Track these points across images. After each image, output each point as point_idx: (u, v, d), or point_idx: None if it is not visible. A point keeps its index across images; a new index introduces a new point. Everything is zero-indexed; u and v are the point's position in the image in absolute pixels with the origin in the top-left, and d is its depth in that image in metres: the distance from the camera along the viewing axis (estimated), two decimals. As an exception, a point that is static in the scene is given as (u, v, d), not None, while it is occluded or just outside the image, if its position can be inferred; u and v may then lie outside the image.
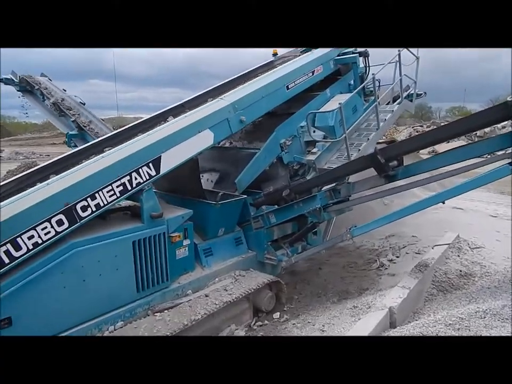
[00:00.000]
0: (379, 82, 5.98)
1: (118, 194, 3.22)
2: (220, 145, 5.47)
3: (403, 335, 2.17)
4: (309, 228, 4.50)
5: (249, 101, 4.38)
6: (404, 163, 3.50)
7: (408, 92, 6.61)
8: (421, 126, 29.47)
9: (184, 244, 3.86)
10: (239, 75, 5.18)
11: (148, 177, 3.42)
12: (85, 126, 5.93)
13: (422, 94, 7.19)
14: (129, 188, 3.28)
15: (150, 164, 3.43)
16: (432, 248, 4.36)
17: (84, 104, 7.43)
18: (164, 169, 3.54)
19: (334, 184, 4.21)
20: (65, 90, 7.49)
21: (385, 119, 5.70)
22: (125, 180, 3.26)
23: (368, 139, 5.28)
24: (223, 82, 4.92)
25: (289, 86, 4.94)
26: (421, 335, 1.95)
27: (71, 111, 6.38)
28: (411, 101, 6.46)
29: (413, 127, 29.01)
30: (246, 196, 4.33)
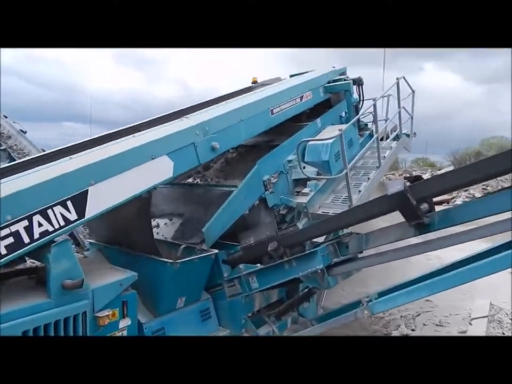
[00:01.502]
0: (373, 116, 5.18)
1: (4, 251, 1.93)
2: (183, 182, 4.32)
3: None
4: (304, 295, 3.30)
5: (224, 124, 3.33)
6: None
7: (397, 131, 5.90)
8: (393, 174, 29.90)
9: (120, 326, 2.53)
10: (213, 98, 4.18)
11: (62, 223, 2.17)
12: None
13: (413, 134, 6.51)
14: (25, 240, 2.00)
15: (68, 202, 2.20)
16: (470, 323, 3.24)
17: (25, 132, 6.27)
18: (91, 210, 2.31)
19: (336, 236, 3.11)
20: (5, 117, 6.37)
21: (385, 156, 4.82)
22: (19, 226, 1.99)
23: (368, 178, 4.32)
24: (195, 104, 3.87)
25: (274, 111, 3.97)
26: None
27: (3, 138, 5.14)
28: (408, 136, 5.70)
29: (385, 175, 29.26)
30: (217, 251, 3.11)
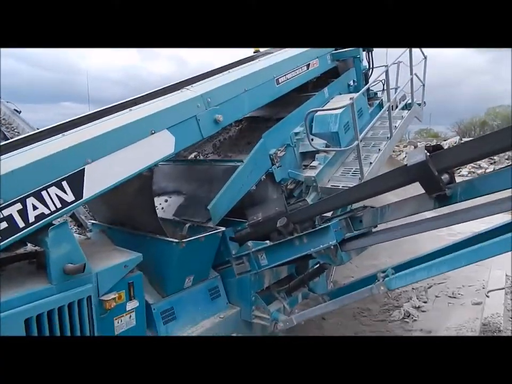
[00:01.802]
0: (383, 85, 4.91)
1: (-2, 237, 1.81)
2: (185, 157, 4.16)
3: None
4: (315, 271, 3.20)
5: (228, 95, 3.12)
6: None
7: (406, 100, 5.63)
8: (397, 146, 29.35)
9: (128, 309, 2.45)
10: (215, 68, 3.92)
11: (58, 206, 2.04)
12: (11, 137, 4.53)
13: (423, 103, 6.22)
14: (20, 224, 1.88)
15: (64, 183, 2.06)
16: (487, 295, 3.14)
17: (19, 112, 6.09)
18: (89, 191, 2.17)
19: (349, 210, 2.97)
20: None
21: (396, 126, 4.59)
22: (12, 210, 1.86)
23: (379, 150, 4.13)
24: (195, 75, 3.63)
25: (280, 80, 3.73)
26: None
27: None
28: (419, 105, 5.43)
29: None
30: (224, 228, 2.99)
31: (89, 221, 3.49)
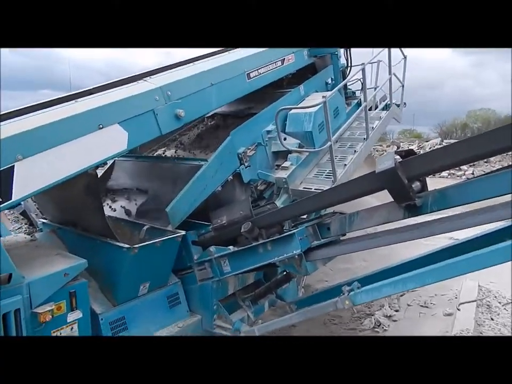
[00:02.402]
0: (362, 83, 4.76)
1: None
2: (152, 154, 3.92)
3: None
4: (283, 278, 3.03)
5: (191, 88, 2.89)
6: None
7: (386, 101, 5.51)
8: (380, 146, 29.54)
9: (69, 320, 2.21)
10: (183, 60, 3.67)
11: (-20, 208, 1.78)
12: None
13: (403, 104, 6.12)
14: None
15: (-12, 182, 1.80)
16: (458, 308, 3.03)
17: None
18: (20, 191, 1.91)
19: (317, 216, 2.80)
20: None
21: (373, 127, 4.46)
22: None
23: (355, 151, 3.98)
24: (161, 66, 3.37)
25: (251, 75, 3.53)
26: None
27: None
28: (398, 106, 5.32)
29: (373, 148, 28.69)
30: (183, 232, 2.77)
31: (40, 219, 3.21)
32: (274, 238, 2.56)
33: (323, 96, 2.99)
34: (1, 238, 2.90)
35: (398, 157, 2.20)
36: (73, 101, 2.32)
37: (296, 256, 2.41)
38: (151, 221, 2.92)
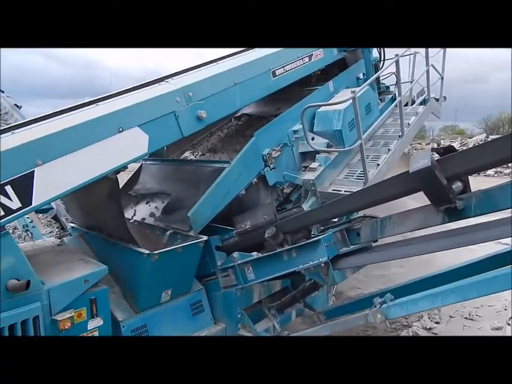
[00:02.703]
0: (396, 76, 4.46)
1: None
2: (171, 157, 3.89)
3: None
4: (311, 286, 2.87)
5: (213, 88, 2.80)
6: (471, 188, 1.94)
7: (424, 95, 5.15)
8: (419, 144, 28.17)
9: (90, 328, 2.18)
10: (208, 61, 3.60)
11: (1, 213, 1.78)
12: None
13: (442, 98, 5.70)
14: None
15: (8, 187, 1.80)
16: (508, 323, 2.71)
17: (20, 107, 6.00)
18: (40, 197, 1.90)
19: (346, 221, 2.61)
20: (2, 91, 6.13)
21: (409, 124, 4.17)
22: None
23: (389, 150, 3.72)
24: (186, 68, 3.31)
25: (277, 73, 3.39)
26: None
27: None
28: (437, 100, 4.96)
29: (410, 145, 27.37)
30: (206, 237, 2.68)
31: (69, 224, 3.26)
32: (299, 244, 2.40)
33: (352, 91, 2.79)
34: (32, 242, 2.96)
35: (435, 154, 1.98)
36: (94, 105, 2.30)
37: (323, 264, 2.24)
38: (175, 225, 2.86)
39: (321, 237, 2.28)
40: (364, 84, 3.08)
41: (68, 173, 2.01)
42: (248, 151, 2.98)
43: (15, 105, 5.84)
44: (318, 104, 3.34)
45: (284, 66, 3.45)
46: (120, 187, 3.74)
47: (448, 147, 2.12)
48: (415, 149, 23.85)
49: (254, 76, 3.14)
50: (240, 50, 3.48)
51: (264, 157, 3.13)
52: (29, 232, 3.48)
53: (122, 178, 3.90)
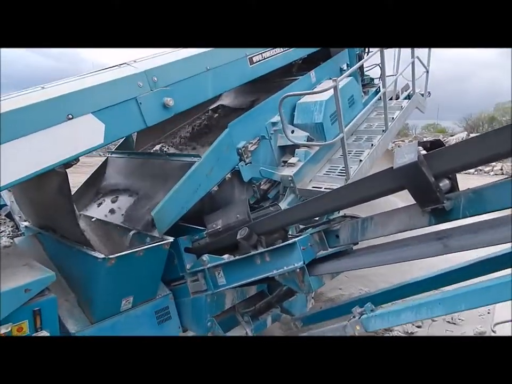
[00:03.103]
0: (381, 68, 4.27)
1: None
2: (141, 150, 3.60)
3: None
4: (285, 293, 2.65)
5: (182, 73, 2.54)
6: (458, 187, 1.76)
7: (409, 90, 5.01)
8: (402, 141, 28.30)
9: (33, 342, 1.90)
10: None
11: None
12: None
13: (427, 93, 5.57)
14: None
15: None
16: (493, 330, 2.57)
17: None
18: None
19: (325, 221, 2.40)
20: None
21: (393, 118, 3.99)
22: None
23: (372, 145, 3.53)
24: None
25: (254, 60, 3.14)
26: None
27: None
28: (422, 95, 4.81)
29: (393, 142, 27.42)
30: (171, 239, 2.43)
31: (22, 222, 2.94)
32: (272, 247, 2.18)
33: (333, 80, 2.57)
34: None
35: (421, 148, 1.79)
36: (40, 88, 2.00)
37: (298, 270, 2.03)
38: (139, 225, 2.59)
39: (296, 239, 2.07)
40: (346, 73, 2.87)
41: (6, 165, 1.72)
42: (221, 144, 2.73)
43: None
44: (296, 93, 3.11)
45: (262, 53, 3.21)
46: (84, 181, 3.48)
47: (435, 141, 1.93)
48: (398, 146, 23.97)
49: (229, 61, 2.89)
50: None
51: (240, 150, 2.89)
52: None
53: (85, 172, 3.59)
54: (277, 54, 3.36)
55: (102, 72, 2.25)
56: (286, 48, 3.48)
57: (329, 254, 2.16)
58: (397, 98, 5.08)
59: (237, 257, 2.40)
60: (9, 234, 3.16)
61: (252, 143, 3.01)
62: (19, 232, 2.97)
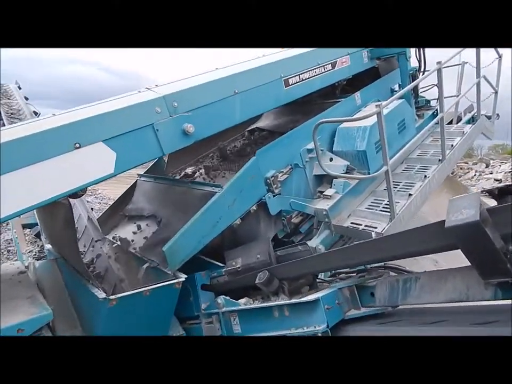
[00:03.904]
0: (438, 88, 3.79)
1: None
2: (171, 174, 3.47)
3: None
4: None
5: (206, 98, 2.35)
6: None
7: (473, 112, 4.41)
8: (466, 163, 26.00)
9: (24, 387, 1.75)
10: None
11: None
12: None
13: (495, 115, 4.88)
14: None
15: None
16: None
17: (38, 114, 5.98)
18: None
19: (360, 270, 2.03)
20: (26, 99, 6.19)
21: (452, 145, 3.47)
22: None
23: (425, 176, 3.06)
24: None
25: (290, 82, 2.88)
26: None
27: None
28: (489, 118, 4.20)
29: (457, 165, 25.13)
30: (183, 278, 2.19)
31: (47, 244, 2.92)
32: (292, 301, 1.84)
33: (376, 105, 2.22)
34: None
35: (485, 202, 1.38)
36: (51, 115, 1.92)
37: (320, 334, 1.67)
38: (154, 258, 2.41)
39: (320, 295, 1.72)
40: (395, 96, 2.49)
41: (4, 196, 1.61)
42: (246, 173, 2.48)
43: (34, 112, 5.80)
44: (332, 120, 2.78)
45: (299, 74, 2.95)
46: (112, 203, 3.43)
47: (506, 187, 1.50)
48: (461, 168, 21.77)
49: (261, 84, 2.66)
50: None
51: (268, 181, 2.62)
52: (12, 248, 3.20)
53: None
54: (317, 75, 3.08)
55: (120, 98, 2.12)
56: (328, 69, 3.19)
57: (362, 315, 1.78)
58: (459, 121, 4.51)
59: (254, 305, 2.10)
60: (35, 255, 3.18)
61: (282, 172, 2.73)
62: (44, 255, 2.95)
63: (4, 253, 3.72)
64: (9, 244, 3.72)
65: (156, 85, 2.29)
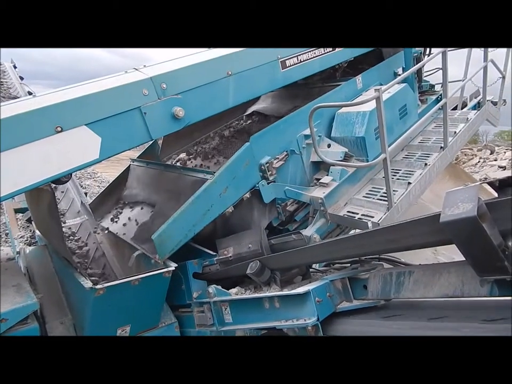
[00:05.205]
0: (443, 71, 3.64)
1: None
2: (164, 159, 3.39)
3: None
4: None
5: (197, 79, 2.24)
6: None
7: (479, 98, 4.27)
8: (470, 150, 25.51)
9: (9, 375, 1.73)
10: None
11: None
12: None
13: (502, 101, 4.72)
14: None
15: None
16: None
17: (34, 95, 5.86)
18: None
19: (353, 261, 1.96)
20: (22, 78, 6.08)
21: (455, 132, 3.36)
22: None
23: (426, 164, 2.96)
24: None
25: (287, 63, 2.76)
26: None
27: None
28: (495, 105, 4.05)
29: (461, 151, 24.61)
30: (174, 266, 2.14)
31: (37, 230, 2.87)
32: (283, 293, 1.79)
33: (376, 89, 2.10)
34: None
35: (487, 189, 1.30)
36: (31, 97, 1.82)
37: (310, 327, 1.62)
38: (144, 246, 2.36)
39: (311, 287, 1.66)
40: (395, 80, 2.37)
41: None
42: (239, 160, 2.39)
43: (29, 92, 5.69)
44: (329, 104, 2.67)
45: (297, 56, 2.82)
46: (105, 189, 3.36)
47: (508, 179, 1.41)
48: (465, 155, 21.22)
49: (256, 65, 2.54)
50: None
51: (262, 167, 2.53)
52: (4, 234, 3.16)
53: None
54: (315, 56, 2.94)
55: (106, 79, 2.02)
56: (328, 51, 3.05)
57: (354, 308, 1.73)
58: (464, 106, 4.37)
59: (245, 295, 2.06)
60: (26, 240, 3.14)
61: (277, 158, 2.64)
62: (35, 240, 2.91)
63: (3, 236, 3.68)
64: (6, 227, 3.69)
65: (144, 65, 2.18)
